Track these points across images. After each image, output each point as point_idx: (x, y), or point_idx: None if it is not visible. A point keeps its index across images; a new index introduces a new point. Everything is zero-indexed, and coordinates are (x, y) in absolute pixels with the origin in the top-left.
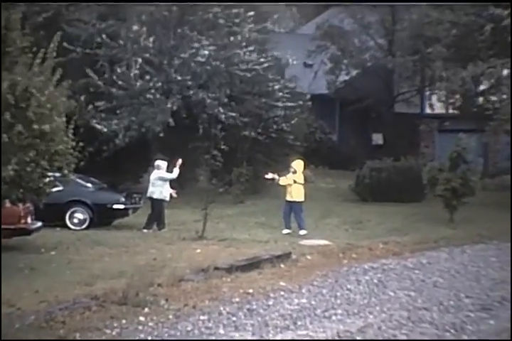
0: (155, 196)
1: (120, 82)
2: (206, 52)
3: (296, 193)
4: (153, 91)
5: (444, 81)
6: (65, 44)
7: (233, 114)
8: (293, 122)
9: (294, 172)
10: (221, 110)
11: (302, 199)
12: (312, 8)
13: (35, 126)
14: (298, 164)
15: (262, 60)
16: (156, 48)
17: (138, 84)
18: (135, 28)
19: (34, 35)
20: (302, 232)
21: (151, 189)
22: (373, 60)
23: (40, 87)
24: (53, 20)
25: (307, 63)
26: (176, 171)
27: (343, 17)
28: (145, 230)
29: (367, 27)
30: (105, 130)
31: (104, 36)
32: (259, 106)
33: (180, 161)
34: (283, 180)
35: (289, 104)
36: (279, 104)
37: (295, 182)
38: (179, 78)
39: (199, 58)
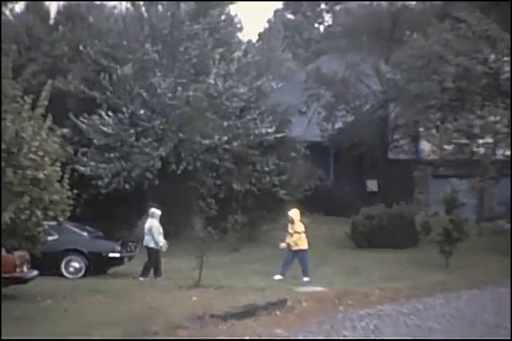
0: (150, 245)
1: (105, 129)
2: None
3: (300, 241)
4: (142, 138)
5: (437, 131)
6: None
7: (227, 164)
8: (285, 177)
9: (292, 221)
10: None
11: (306, 246)
12: (306, 55)
13: (28, 172)
14: (294, 213)
15: (253, 105)
16: (146, 93)
17: (116, 131)
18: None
19: (29, 82)
20: (306, 279)
21: (146, 237)
22: (367, 107)
23: (32, 133)
24: (49, 70)
25: (301, 110)
26: (163, 242)
27: (337, 64)
28: (141, 278)
29: (361, 74)
30: (89, 172)
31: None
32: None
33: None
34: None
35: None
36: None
37: (296, 232)
38: (162, 125)
39: (186, 101)
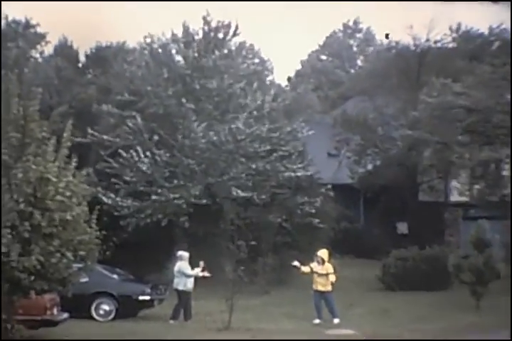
0: (180, 287)
1: (142, 166)
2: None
3: (326, 283)
4: (169, 178)
5: (466, 167)
6: (89, 130)
7: (252, 196)
8: (317, 205)
9: (322, 261)
10: (241, 193)
11: (330, 288)
12: (335, 98)
13: (56, 214)
14: (323, 253)
15: (282, 148)
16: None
17: (150, 171)
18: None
19: (57, 124)
20: (336, 321)
21: (175, 280)
22: (396, 149)
23: (57, 175)
24: (78, 111)
25: (331, 153)
26: (197, 271)
27: (365, 107)
28: (172, 321)
29: (389, 117)
30: (110, 203)
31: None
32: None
33: (202, 264)
34: (306, 268)
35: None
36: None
37: (327, 274)
38: (196, 166)
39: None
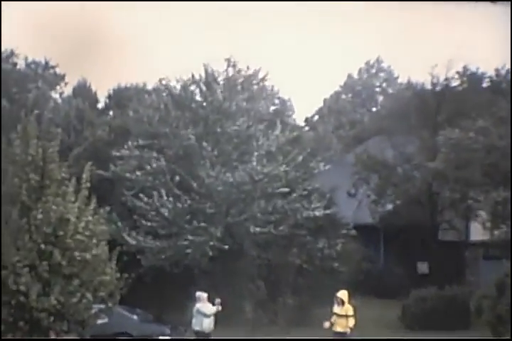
0: (196, 328)
1: (164, 211)
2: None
3: (346, 324)
4: (188, 217)
5: (484, 208)
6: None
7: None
8: (338, 248)
9: (341, 303)
10: (258, 229)
11: (349, 330)
12: (354, 138)
13: (76, 254)
14: (343, 294)
15: (300, 186)
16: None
17: (166, 210)
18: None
19: (76, 165)
20: None
21: (193, 320)
22: (416, 189)
23: (77, 215)
24: (96, 152)
25: (351, 193)
26: (215, 309)
27: (384, 147)
28: None
29: (408, 157)
30: (134, 243)
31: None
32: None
33: (219, 301)
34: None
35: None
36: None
37: (346, 315)
38: (215, 208)
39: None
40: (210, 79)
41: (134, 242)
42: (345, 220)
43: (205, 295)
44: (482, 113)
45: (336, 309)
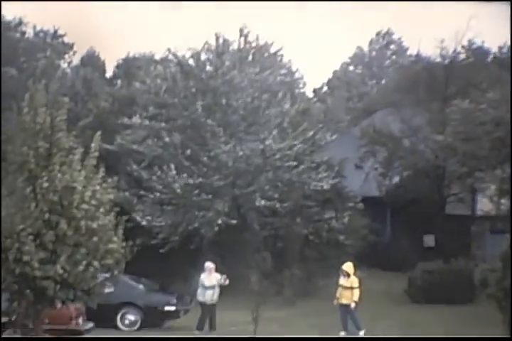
0: (199, 298)
1: (175, 187)
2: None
3: (351, 296)
4: (196, 191)
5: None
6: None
7: (278, 205)
8: (345, 221)
9: (347, 275)
10: (264, 202)
11: (356, 301)
12: (363, 110)
13: (82, 223)
14: (349, 267)
15: (307, 157)
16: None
17: (177, 186)
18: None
19: (82, 135)
20: (361, 333)
21: (198, 291)
22: (424, 162)
23: (84, 184)
24: (103, 122)
25: (358, 165)
26: (215, 281)
27: (392, 119)
28: (196, 332)
29: (416, 130)
30: (145, 223)
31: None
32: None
33: (225, 277)
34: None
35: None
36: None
37: (351, 287)
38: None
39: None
40: (220, 50)
41: (144, 222)
42: (352, 193)
43: (212, 265)
44: (491, 86)
45: (342, 281)
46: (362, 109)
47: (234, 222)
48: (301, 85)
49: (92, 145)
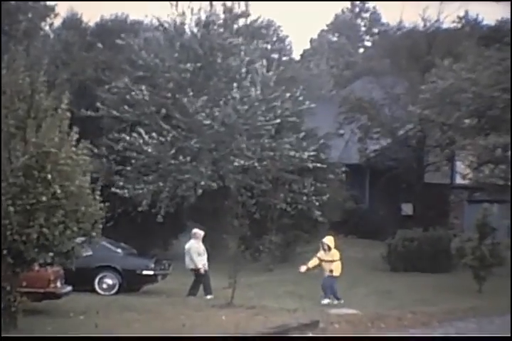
0: (191, 266)
1: (147, 148)
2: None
3: (335, 268)
4: (181, 157)
5: (472, 151)
6: (98, 105)
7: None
8: (324, 198)
9: (328, 248)
10: (241, 161)
11: (337, 275)
12: (346, 76)
13: (57, 186)
14: (329, 240)
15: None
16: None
17: (156, 151)
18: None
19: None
20: (341, 301)
21: (186, 258)
22: (403, 130)
23: (58, 147)
24: (88, 85)
25: (338, 133)
26: (199, 264)
27: (373, 87)
28: (191, 297)
29: (397, 97)
30: (126, 195)
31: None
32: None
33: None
34: (313, 262)
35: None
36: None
37: (332, 261)
38: (197, 144)
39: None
40: (206, 15)
41: (126, 194)
42: (335, 163)
43: (201, 233)
44: (474, 58)
45: (323, 255)
46: (343, 76)
47: (214, 185)
48: (288, 53)
49: (62, 105)
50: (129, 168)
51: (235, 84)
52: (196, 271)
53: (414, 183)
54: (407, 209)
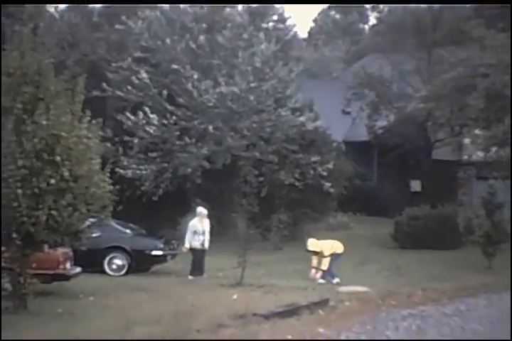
0: (192, 244)
1: (149, 129)
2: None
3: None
4: (177, 133)
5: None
6: (104, 85)
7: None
8: (330, 166)
9: (315, 254)
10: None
11: (341, 251)
12: (353, 54)
13: (64, 169)
14: (313, 245)
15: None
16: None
17: (160, 132)
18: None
19: (70, 80)
20: (321, 281)
21: (189, 236)
22: (411, 107)
23: (69, 130)
24: (94, 66)
25: (345, 110)
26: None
27: (381, 64)
28: (190, 277)
29: (404, 74)
30: (130, 175)
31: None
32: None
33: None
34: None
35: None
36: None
37: (323, 256)
38: (201, 124)
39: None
40: None
41: (130, 175)
42: (339, 138)
43: (204, 211)
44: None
45: (315, 259)
46: (350, 53)
47: (220, 165)
48: (289, 31)
49: (77, 88)
50: (135, 141)
51: (239, 60)
52: (193, 249)
53: (423, 160)
54: (416, 185)
